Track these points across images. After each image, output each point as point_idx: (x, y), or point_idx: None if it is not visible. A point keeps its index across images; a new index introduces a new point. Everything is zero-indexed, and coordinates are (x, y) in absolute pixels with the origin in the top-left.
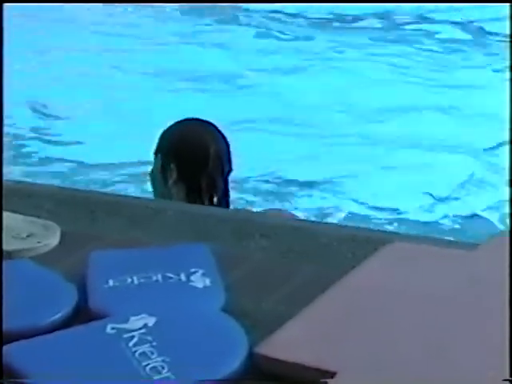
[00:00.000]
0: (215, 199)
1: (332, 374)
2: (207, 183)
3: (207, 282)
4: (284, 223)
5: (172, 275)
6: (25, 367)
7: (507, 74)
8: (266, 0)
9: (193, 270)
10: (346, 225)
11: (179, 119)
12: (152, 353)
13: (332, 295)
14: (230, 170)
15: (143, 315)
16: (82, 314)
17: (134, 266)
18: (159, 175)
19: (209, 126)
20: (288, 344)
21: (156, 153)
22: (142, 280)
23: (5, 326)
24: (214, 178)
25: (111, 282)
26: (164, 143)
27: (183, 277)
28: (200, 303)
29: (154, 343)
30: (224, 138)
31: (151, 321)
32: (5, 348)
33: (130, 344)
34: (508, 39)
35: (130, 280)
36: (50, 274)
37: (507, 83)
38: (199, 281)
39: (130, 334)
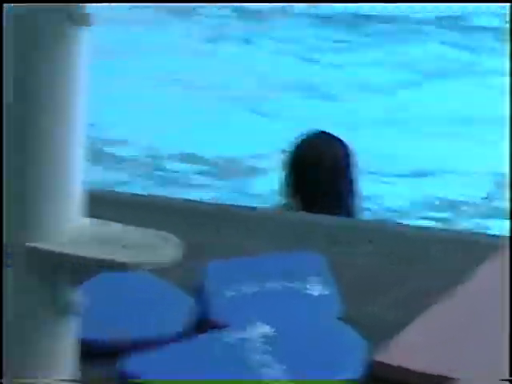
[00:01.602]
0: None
1: (454, 381)
2: (324, 198)
3: (324, 290)
4: (387, 228)
5: (288, 284)
6: (145, 378)
7: None
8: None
9: (308, 277)
10: (451, 228)
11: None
12: (271, 361)
13: (450, 300)
14: (351, 185)
15: (261, 324)
16: (200, 325)
17: (250, 275)
18: (283, 186)
19: (334, 140)
20: (408, 351)
21: (284, 161)
22: (259, 289)
23: (125, 338)
24: (328, 193)
25: (229, 292)
26: (289, 153)
27: (299, 285)
28: (317, 311)
29: (273, 352)
30: (347, 150)
31: (270, 330)
32: (125, 360)
33: (250, 354)
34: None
35: (247, 289)
36: (168, 285)
37: None
38: (315, 289)
39: (249, 344)
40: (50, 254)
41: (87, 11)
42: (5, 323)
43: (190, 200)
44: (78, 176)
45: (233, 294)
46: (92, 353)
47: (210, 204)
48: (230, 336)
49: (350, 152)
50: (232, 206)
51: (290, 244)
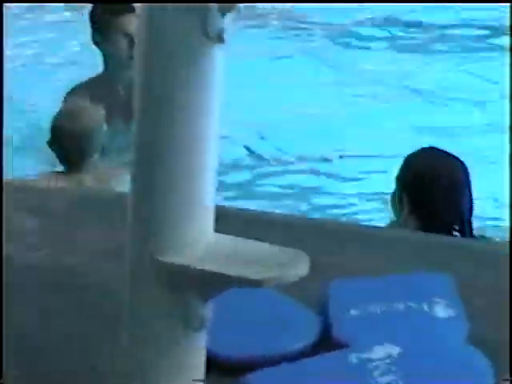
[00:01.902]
0: (452, 233)
1: None
2: (440, 218)
3: (451, 312)
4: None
5: (414, 305)
6: None
7: None
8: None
9: (435, 299)
10: None
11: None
12: (397, 383)
13: None
14: (471, 202)
15: (387, 345)
16: (324, 342)
17: (375, 295)
18: (395, 202)
19: (448, 157)
20: None
21: (396, 179)
22: (384, 309)
23: (249, 353)
24: (447, 213)
25: (353, 311)
26: (401, 170)
27: (426, 307)
28: (444, 334)
29: (399, 373)
30: (465, 169)
31: (395, 351)
32: (250, 375)
33: (375, 374)
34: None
35: (372, 309)
36: (292, 302)
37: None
38: (442, 311)
39: (374, 364)
40: (181, 269)
41: (222, 28)
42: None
43: (312, 218)
44: (210, 191)
45: (357, 313)
46: (216, 367)
47: (333, 222)
48: (356, 355)
49: (466, 167)
50: (356, 224)
51: (413, 264)
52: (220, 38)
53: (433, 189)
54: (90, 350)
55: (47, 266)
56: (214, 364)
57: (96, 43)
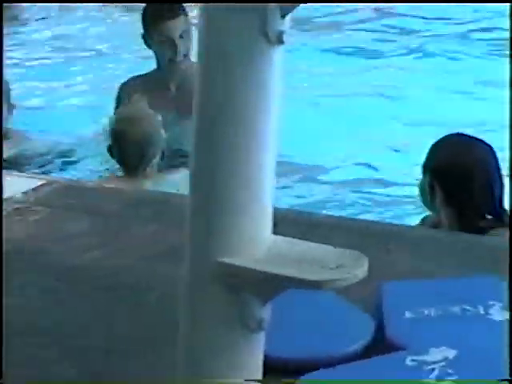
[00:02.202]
0: (486, 219)
1: None
2: (475, 205)
3: (506, 315)
4: None
5: (469, 308)
6: None
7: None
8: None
9: (491, 302)
10: None
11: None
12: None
13: None
14: (502, 186)
15: (443, 348)
16: (378, 344)
17: (429, 298)
18: (426, 192)
19: (476, 143)
20: None
21: (424, 167)
22: (439, 312)
23: (304, 355)
24: (482, 199)
25: (408, 314)
26: (430, 159)
27: (481, 310)
28: (499, 337)
29: (456, 377)
30: (494, 153)
31: (451, 354)
32: (306, 376)
33: (431, 376)
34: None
35: (427, 312)
36: (347, 304)
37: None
38: (498, 314)
39: (431, 367)
40: (240, 270)
41: (283, 29)
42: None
43: (357, 219)
44: (269, 194)
45: (412, 315)
46: (272, 369)
47: (378, 223)
48: (412, 358)
49: (494, 152)
50: (399, 225)
51: (478, 269)
52: (279, 40)
53: (467, 176)
54: (144, 350)
55: (99, 267)
56: (269, 365)
57: (145, 43)
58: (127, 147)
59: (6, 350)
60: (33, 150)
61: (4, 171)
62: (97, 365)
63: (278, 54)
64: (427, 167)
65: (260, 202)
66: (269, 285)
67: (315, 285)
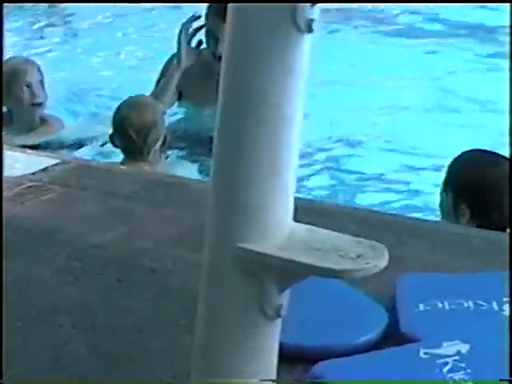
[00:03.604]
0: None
1: None
2: (500, 219)
3: None
4: None
5: (483, 303)
6: None
7: None
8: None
9: (505, 299)
10: None
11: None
12: (465, 381)
13: None
14: None
15: (456, 341)
16: (391, 335)
17: (443, 291)
18: (450, 211)
19: (499, 158)
20: None
21: (445, 186)
22: (453, 306)
23: (320, 343)
24: (506, 213)
25: (422, 306)
26: (453, 177)
27: (495, 305)
28: None
29: (468, 370)
30: None
31: (465, 348)
32: (321, 364)
33: (444, 370)
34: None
35: (440, 305)
36: (361, 294)
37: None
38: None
39: (444, 360)
40: (261, 256)
41: (313, 17)
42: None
43: (371, 210)
44: (292, 182)
45: (426, 308)
46: (287, 356)
47: (392, 215)
48: (425, 351)
49: None
50: (414, 218)
51: (493, 265)
52: (309, 28)
53: (495, 194)
54: (160, 331)
55: (113, 247)
56: (283, 352)
57: (206, 34)
58: (132, 133)
59: (22, 328)
60: (67, 136)
61: (19, 150)
62: (109, 343)
63: (306, 42)
64: (449, 185)
65: (282, 189)
66: (288, 272)
67: (336, 274)
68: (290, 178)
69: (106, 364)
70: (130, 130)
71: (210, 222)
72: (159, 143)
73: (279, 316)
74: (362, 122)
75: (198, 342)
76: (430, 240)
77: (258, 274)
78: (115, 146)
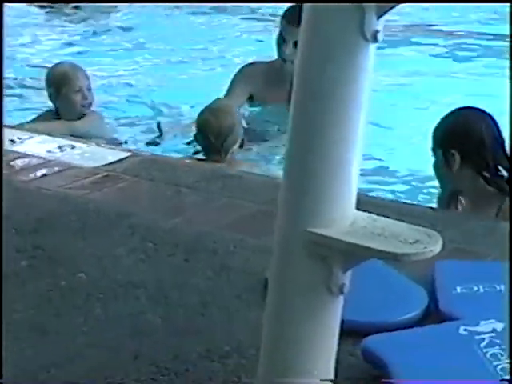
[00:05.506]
0: (502, 173)
1: None
2: (493, 160)
3: None
4: None
5: None
6: (386, 357)
7: None
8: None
9: None
10: None
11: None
12: (501, 355)
13: None
14: (504, 144)
15: (492, 320)
16: (431, 314)
17: (478, 276)
18: (444, 168)
19: (481, 112)
20: None
21: (434, 148)
22: (487, 289)
23: (368, 319)
24: (497, 153)
25: (459, 289)
26: (439, 135)
27: None
28: None
29: (503, 346)
30: (495, 122)
31: (499, 326)
32: (369, 338)
33: (482, 345)
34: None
35: (476, 288)
36: (403, 277)
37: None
38: None
39: (481, 337)
40: (329, 240)
41: (378, 29)
42: None
43: (405, 202)
44: (356, 174)
45: (463, 290)
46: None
47: (419, 206)
48: (465, 328)
49: (494, 118)
50: (447, 211)
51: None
52: (375, 38)
53: (484, 138)
54: (223, 305)
55: (181, 231)
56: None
57: (279, 38)
58: (212, 135)
59: (103, 299)
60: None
61: (95, 144)
62: (178, 315)
63: (372, 51)
64: (436, 143)
65: (347, 180)
66: (353, 254)
67: (397, 257)
68: (354, 171)
69: (175, 333)
70: (210, 134)
71: (282, 208)
72: (236, 146)
73: (342, 293)
74: None
75: (268, 318)
76: (461, 230)
77: (325, 256)
78: (199, 145)
